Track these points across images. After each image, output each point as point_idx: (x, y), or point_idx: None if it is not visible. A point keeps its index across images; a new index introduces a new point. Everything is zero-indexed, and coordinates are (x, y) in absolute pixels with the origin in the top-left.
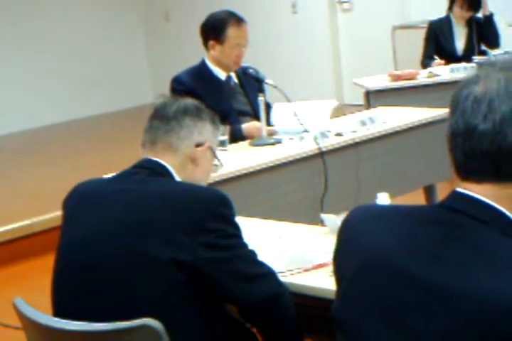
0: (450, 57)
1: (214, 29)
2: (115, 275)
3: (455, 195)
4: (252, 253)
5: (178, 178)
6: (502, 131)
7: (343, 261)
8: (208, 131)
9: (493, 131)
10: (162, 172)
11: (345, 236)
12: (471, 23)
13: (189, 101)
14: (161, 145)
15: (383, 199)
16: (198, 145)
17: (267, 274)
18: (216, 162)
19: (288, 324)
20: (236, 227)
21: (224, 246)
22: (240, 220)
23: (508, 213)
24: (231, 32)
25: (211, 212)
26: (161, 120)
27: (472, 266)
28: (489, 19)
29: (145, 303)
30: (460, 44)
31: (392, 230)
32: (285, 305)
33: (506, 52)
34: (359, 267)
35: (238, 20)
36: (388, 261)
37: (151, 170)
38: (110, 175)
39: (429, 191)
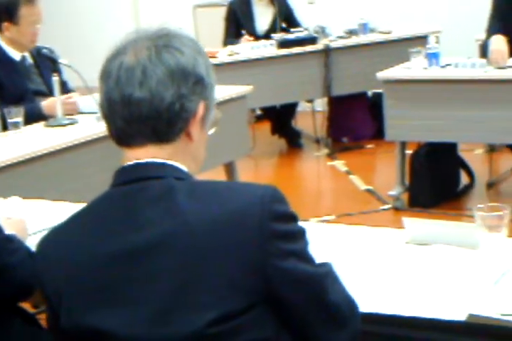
0: (252, 35)
1: (7, 10)
2: None
3: (123, 171)
4: None
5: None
6: (158, 95)
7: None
8: None
9: (150, 96)
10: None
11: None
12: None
13: None
14: None
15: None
16: None
17: None
18: None
19: None
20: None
21: None
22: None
23: (173, 163)
24: (24, 11)
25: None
26: None
27: (165, 206)
28: None
29: None
30: (262, 23)
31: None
32: None
33: (306, 29)
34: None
35: None
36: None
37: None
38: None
39: (229, 168)
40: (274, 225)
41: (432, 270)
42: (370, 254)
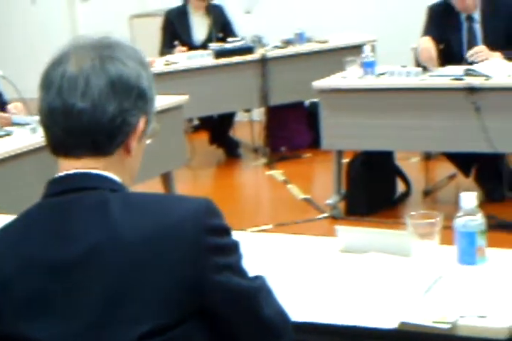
0: (188, 45)
1: None
2: None
3: (56, 181)
4: None
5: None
6: (101, 107)
7: None
8: None
9: (92, 107)
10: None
11: None
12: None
13: None
14: None
15: None
16: None
17: None
18: None
19: None
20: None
21: None
22: None
23: (109, 175)
24: None
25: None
26: None
27: (98, 218)
28: (219, 9)
29: None
30: (199, 33)
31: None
32: None
33: (243, 39)
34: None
35: None
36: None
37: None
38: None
39: (166, 179)
40: (208, 239)
41: (364, 278)
42: (305, 263)
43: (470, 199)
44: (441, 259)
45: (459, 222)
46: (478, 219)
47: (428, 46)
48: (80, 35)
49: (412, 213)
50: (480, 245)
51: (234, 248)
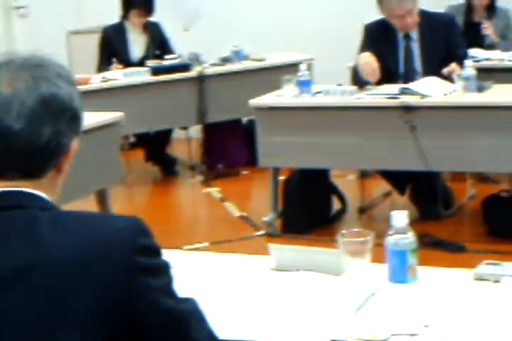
0: (126, 62)
1: None
2: None
3: None
4: None
5: None
6: (36, 130)
7: None
8: None
9: (28, 129)
10: None
11: None
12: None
13: None
14: None
15: None
16: None
17: None
18: None
19: None
20: None
21: None
22: None
23: (39, 194)
24: None
25: None
26: None
27: (27, 237)
28: (156, 27)
29: None
30: (137, 50)
31: None
32: None
33: (180, 56)
34: None
35: None
36: None
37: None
38: None
39: (101, 196)
40: (139, 259)
41: (296, 296)
42: (236, 282)
43: (401, 217)
44: (373, 277)
45: (390, 240)
46: (410, 238)
47: (369, 60)
48: (7, 51)
49: (344, 231)
50: (411, 263)
51: (165, 269)
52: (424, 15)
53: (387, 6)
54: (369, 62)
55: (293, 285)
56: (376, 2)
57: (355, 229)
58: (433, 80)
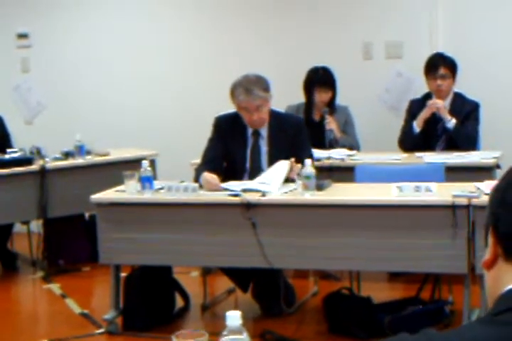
0: None
1: None
2: None
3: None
4: None
5: None
6: None
7: None
8: None
9: None
10: None
11: None
12: None
13: None
14: None
15: None
16: None
17: None
18: None
19: None
20: None
21: None
22: None
23: None
24: None
25: None
26: None
27: None
28: None
29: None
30: None
31: None
32: None
33: (22, 150)
34: None
35: None
36: None
37: None
38: None
39: None
40: None
41: None
42: None
43: (234, 318)
44: None
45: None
46: (244, 339)
47: (211, 181)
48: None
49: (178, 332)
50: None
51: None
52: (275, 115)
53: (236, 98)
54: (211, 184)
55: None
56: (229, 94)
57: (190, 330)
58: (281, 166)
